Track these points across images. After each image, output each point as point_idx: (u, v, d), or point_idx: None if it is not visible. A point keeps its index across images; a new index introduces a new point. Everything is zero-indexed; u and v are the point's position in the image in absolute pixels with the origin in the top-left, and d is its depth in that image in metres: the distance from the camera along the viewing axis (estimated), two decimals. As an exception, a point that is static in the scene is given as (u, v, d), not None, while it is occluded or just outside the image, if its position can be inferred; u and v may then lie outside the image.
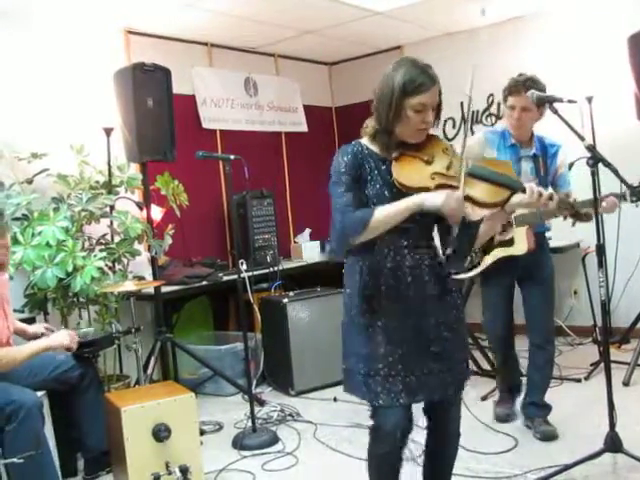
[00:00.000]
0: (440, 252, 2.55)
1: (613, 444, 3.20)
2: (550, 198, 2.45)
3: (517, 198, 2.45)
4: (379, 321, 2.47)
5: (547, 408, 4.00)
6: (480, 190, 2.39)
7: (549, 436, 3.87)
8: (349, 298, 2.55)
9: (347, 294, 2.57)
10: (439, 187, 2.38)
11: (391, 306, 2.48)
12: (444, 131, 6.67)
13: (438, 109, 2.52)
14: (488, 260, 3.85)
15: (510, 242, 3.80)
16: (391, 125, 2.44)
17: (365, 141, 2.54)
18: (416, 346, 2.48)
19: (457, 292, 2.62)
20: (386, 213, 2.37)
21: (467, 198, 2.37)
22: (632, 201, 3.42)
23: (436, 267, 2.53)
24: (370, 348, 2.47)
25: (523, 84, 3.72)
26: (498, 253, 3.83)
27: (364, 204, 2.44)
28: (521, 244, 3.80)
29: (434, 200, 2.34)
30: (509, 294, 4.02)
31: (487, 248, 3.73)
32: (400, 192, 2.42)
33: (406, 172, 2.42)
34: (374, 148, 2.52)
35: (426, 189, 2.39)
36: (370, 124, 2.53)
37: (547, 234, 4.06)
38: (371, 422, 2.60)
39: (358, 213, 2.39)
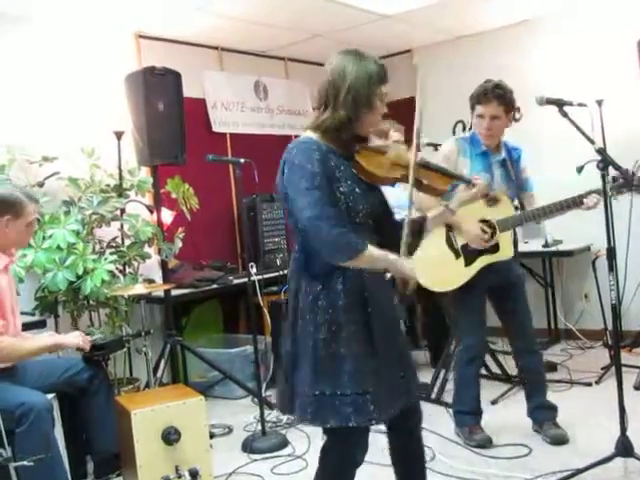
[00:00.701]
0: None
1: (624, 448, 3.18)
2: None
3: (462, 195, 2.69)
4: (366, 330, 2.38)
5: (554, 409, 3.99)
6: (431, 178, 2.52)
7: (560, 440, 3.84)
8: (323, 313, 2.35)
9: (321, 308, 2.35)
10: (401, 178, 2.46)
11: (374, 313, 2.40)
12: (454, 134, 6.65)
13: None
14: (474, 270, 3.78)
15: (496, 248, 3.77)
16: (361, 114, 2.36)
17: (317, 138, 2.40)
18: (393, 355, 2.45)
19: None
20: (372, 256, 2.29)
21: (427, 187, 2.50)
22: (612, 195, 3.50)
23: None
24: (364, 361, 2.34)
25: (492, 92, 3.70)
26: (486, 260, 3.77)
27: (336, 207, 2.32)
28: (507, 249, 3.81)
29: (409, 273, 2.33)
30: (483, 300, 3.96)
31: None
32: (367, 186, 2.41)
33: (371, 165, 2.42)
34: (330, 144, 2.39)
35: (391, 180, 2.47)
36: (328, 118, 2.37)
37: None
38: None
39: (353, 237, 2.26)
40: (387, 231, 2.50)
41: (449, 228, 3.76)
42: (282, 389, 2.51)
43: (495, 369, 5.12)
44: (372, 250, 2.29)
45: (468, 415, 3.99)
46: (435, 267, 3.73)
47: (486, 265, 3.77)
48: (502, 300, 3.97)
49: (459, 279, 3.79)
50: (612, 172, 3.35)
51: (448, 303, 4.23)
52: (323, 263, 2.34)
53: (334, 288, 2.36)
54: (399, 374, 2.47)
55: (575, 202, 3.60)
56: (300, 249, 2.45)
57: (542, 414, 3.97)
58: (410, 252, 2.41)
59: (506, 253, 3.80)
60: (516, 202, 3.95)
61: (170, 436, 3.24)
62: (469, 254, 3.77)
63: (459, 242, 3.77)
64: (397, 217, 2.62)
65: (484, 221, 3.72)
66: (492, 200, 3.59)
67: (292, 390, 2.42)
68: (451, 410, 4.16)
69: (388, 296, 2.49)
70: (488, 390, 4.68)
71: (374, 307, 2.39)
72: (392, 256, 2.32)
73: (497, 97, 3.70)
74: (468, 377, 3.99)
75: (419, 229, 2.54)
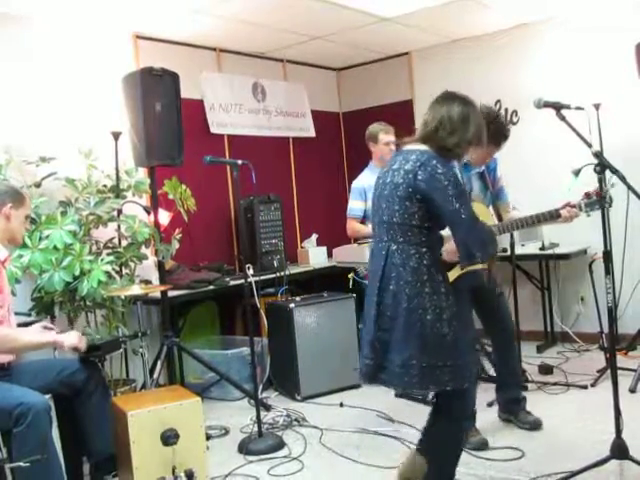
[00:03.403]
0: None
1: (619, 451, 3.20)
2: None
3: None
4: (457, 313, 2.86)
5: (525, 399, 4.21)
6: None
7: (538, 424, 4.07)
8: (429, 298, 2.82)
9: (426, 294, 2.82)
10: None
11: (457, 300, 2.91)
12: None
13: None
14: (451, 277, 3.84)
15: None
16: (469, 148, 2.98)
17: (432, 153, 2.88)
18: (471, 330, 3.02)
19: None
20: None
21: None
22: (586, 212, 3.64)
23: None
24: (460, 338, 2.82)
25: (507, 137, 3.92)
26: (457, 271, 3.79)
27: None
28: None
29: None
30: (469, 306, 3.98)
31: None
32: None
33: None
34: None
35: None
36: (454, 139, 2.89)
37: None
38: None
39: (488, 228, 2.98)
40: None
41: None
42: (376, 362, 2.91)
43: (493, 372, 5.11)
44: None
45: None
46: None
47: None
48: (481, 302, 3.99)
49: None
50: (590, 187, 3.42)
51: None
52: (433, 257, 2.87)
53: (436, 278, 2.83)
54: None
55: (552, 215, 3.70)
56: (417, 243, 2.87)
57: (518, 406, 4.15)
58: None
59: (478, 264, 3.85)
60: (491, 210, 4.08)
61: (169, 438, 3.24)
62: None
63: None
64: None
65: None
66: None
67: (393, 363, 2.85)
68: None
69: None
70: (485, 392, 4.68)
71: (460, 294, 2.95)
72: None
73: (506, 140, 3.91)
74: None
75: None
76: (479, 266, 3.80)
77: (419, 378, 2.79)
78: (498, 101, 6.37)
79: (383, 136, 4.99)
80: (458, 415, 2.99)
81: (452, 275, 3.73)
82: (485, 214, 3.84)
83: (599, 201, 3.47)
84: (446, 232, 2.91)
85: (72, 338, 3.45)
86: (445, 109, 2.92)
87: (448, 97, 2.98)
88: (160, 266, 4.86)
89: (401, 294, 2.82)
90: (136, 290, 4.05)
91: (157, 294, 4.76)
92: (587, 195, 3.65)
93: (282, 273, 5.77)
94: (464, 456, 3.74)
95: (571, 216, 3.65)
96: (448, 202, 2.74)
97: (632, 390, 4.61)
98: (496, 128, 3.82)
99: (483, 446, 3.88)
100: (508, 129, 3.91)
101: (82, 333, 3.80)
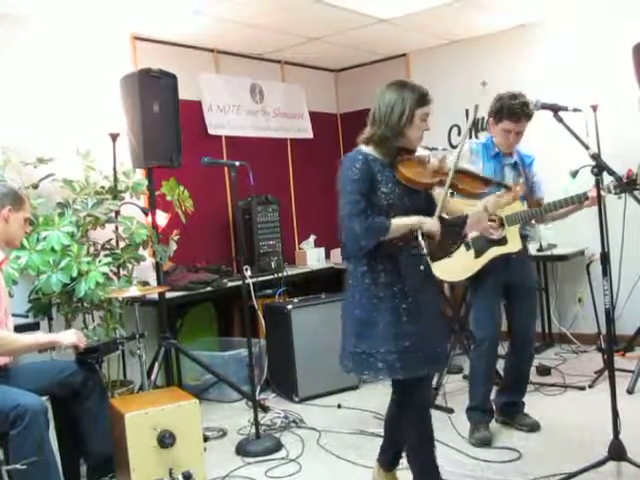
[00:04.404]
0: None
1: (617, 452, 3.20)
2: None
3: (496, 198, 3.08)
4: (403, 304, 2.90)
5: (523, 403, 4.20)
6: (467, 182, 3.01)
7: (537, 426, 4.08)
8: (367, 289, 2.92)
9: (365, 285, 2.92)
10: (440, 183, 2.95)
11: (409, 289, 2.91)
12: (449, 137, 6.67)
13: None
14: (484, 260, 3.92)
15: (503, 241, 3.91)
16: (402, 131, 2.92)
17: (366, 149, 2.96)
18: (428, 324, 2.94)
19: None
20: (397, 224, 2.85)
21: (461, 190, 3.00)
22: (615, 193, 3.56)
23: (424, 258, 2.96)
24: (397, 328, 2.87)
25: (522, 111, 3.82)
26: (494, 252, 3.90)
27: (374, 207, 2.86)
28: (514, 242, 3.95)
29: (430, 226, 2.86)
30: (498, 296, 4.04)
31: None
32: (407, 188, 2.92)
33: (413, 172, 2.92)
34: (376, 154, 2.94)
35: (430, 185, 2.97)
36: (377, 132, 2.94)
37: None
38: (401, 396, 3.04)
39: (379, 220, 2.84)
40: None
41: None
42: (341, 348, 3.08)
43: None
44: (396, 221, 2.85)
45: (475, 411, 4.05)
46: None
47: (501, 262, 3.91)
48: (513, 299, 4.07)
49: (469, 270, 3.96)
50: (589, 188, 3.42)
51: (469, 297, 4.36)
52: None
53: (375, 268, 2.92)
54: (437, 343, 2.99)
55: (580, 198, 3.70)
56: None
57: (517, 409, 4.16)
58: (450, 251, 3.07)
59: (514, 246, 3.92)
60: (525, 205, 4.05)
61: (165, 440, 3.24)
62: (479, 246, 3.92)
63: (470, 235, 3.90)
64: None
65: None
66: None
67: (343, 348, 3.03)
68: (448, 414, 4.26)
69: (426, 284, 3.00)
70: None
71: (407, 286, 2.92)
72: (414, 218, 2.88)
73: (527, 116, 3.84)
74: (477, 373, 4.06)
75: (460, 230, 3.07)
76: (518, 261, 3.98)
77: (354, 364, 2.96)
78: (496, 102, 6.38)
79: None
80: (405, 404, 3.05)
81: (485, 257, 3.92)
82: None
83: (629, 183, 3.48)
84: (470, 209, 3.06)
85: (70, 336, 3.45)
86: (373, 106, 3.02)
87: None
88: (158, 267, 4.85)
89: (347, 282, 3.05)
90: (134, 291, 4.05)
91: (155, 295, 4.75)
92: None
93: (280, 274, 5.77)
94: (461, 457, 3.77)
95: (593, 201, 3.61)
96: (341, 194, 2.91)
97: (630, 391, 4.61)
98: (500, 105, 3.88)
99: (483, 444, 3.91)
100: (512, 103, 3.83)
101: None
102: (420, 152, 3.05)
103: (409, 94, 2.91)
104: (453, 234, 3.03)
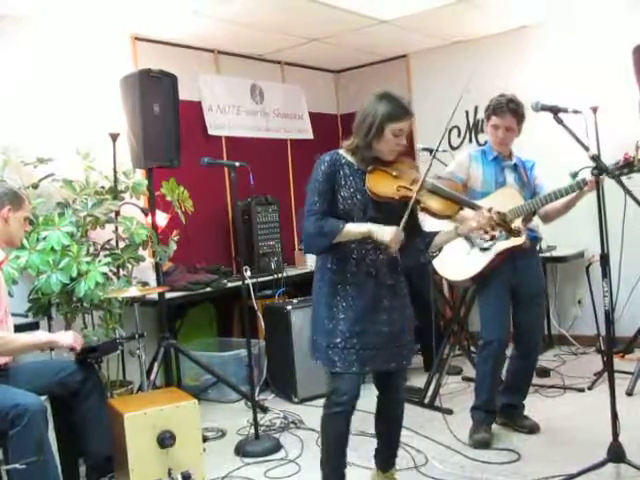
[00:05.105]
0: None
1: (616, 454, 3.20)
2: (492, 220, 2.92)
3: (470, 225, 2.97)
4: (343, 302, 2.99)
5: (523, 406, 4.20)
6: (436, 203, 2.96)
7: (536, 428, 4.09)
8: (319, 283, 3.07)
9: (317, 279, 3.09)
10: (403, 197, 2.91)
11: (353, 290, 2.98)
12: (449, 139, 6.67)
13: (410, 136, 3.09)
14: (491, 254, 3.90)
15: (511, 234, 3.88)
16: (370, 143, 2.93)
17: (343, 152, 3.02)
18: (371, 325, 2.99)
19: (404, 282, 3.14)
20: (348, 230, 2.89)
21: (424, 209, 2.96)
22: (614, 176, 3.50)
23: (391, 261, 3.04)
24: (333, 325, 2.98)
25: (507, 106, 3.90)
26: (500, 246, 3.88)
27: (335, 208, 2.94)
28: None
29: (382, 235, 2.86)
30: (506, 298, 4.01)
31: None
32: (369, 198, 2.93)
33: (377, 183, 2.94)
34: (351, 159, 2.99)
35: (392, 198, 2.92)
36: (354, 140, 2.98)
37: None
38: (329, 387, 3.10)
39: (330, 223, 2.90)
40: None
41: None
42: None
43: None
44: (350, 226, 2.90)
45: (478, 411, 4.06)
46: (450, 256, 3.92)
47: (508, 264, 3.91)
48: (520, 304, 4.04)
49: (474, 267, 3.94)
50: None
51: (476, 299, 4.31)
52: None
53: (326, 265, 3.03)
54: (379, 343, 3.02)
55: (579, 185, 3.71)
56: None
57: (517, 411, 4.16)
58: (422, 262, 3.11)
59: (519, 239, 3.83)
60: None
61: (165, 440, 3.23)
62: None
63: None
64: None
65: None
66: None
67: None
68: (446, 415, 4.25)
69: (378, 278, 3.02)
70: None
71: (351, 286, 2.99)
72: (366, 225, 2.90)
73: (511, 111, 3.90)
74: (483, 374, 4.06)
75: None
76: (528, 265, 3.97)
77: (310, 349, 3.13)
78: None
79: None
80: (328, 396, 3.14)
81: (493, 252, 3.89)
82: (513, 197, 3.91)
83: (628, 166, 3.49)
84: (468, 212, 3.03)
85: (68, 337, 3.45)
86: None
87: None
88: (157, 268, 4.85)
89: None
90: (133, 292, 4.05)
91: (154, 296, 4.75)
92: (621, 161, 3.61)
93: (279, 275, 5.77)
94: (460, 459, 3.77)
95: (592, 186, 3.60)
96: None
97: (629, 393, 4.61)
98: (489, 103, 3.97)
99: (482, 446, 3.90)
100: (499, 99, 3.93)
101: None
102: (421, 155, 3.06)
103: (383, 107, 2.90)
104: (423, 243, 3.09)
